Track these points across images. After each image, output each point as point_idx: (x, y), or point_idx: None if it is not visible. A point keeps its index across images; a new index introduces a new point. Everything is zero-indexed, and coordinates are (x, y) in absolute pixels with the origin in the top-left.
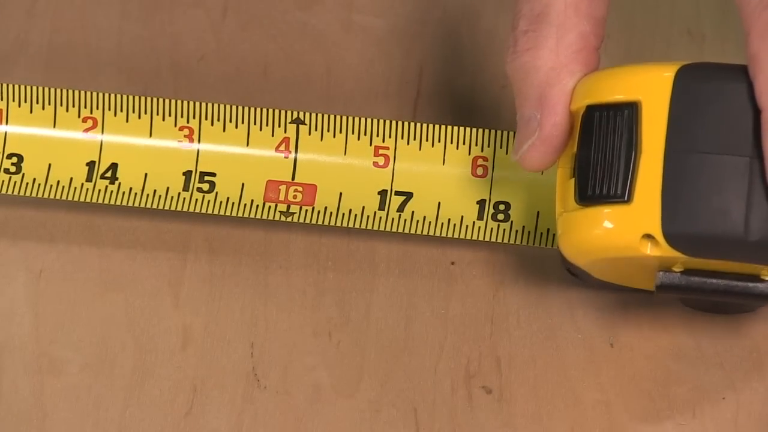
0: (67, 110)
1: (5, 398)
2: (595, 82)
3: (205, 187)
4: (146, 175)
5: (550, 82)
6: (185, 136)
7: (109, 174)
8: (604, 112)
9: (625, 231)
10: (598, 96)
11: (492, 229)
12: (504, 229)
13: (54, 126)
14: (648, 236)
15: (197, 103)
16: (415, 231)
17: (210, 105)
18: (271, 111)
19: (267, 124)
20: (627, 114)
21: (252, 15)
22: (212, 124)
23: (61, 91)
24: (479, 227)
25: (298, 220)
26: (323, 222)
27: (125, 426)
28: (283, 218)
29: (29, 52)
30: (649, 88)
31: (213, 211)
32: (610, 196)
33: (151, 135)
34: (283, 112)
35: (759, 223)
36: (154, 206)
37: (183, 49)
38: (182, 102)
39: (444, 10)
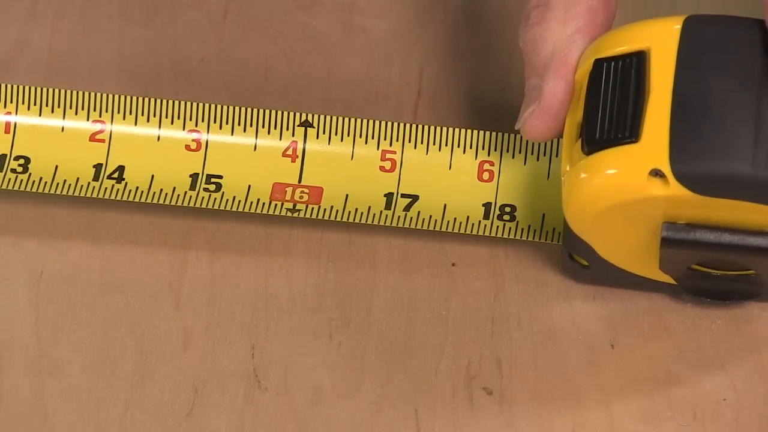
0: (76, 113)
1: (6, 399)
2: (602, 40)
3: (212, 187)
4: (153, 176)
5: (555, 52)
6: (193, 139)
7: (115, 175)
8: (612, 62)
9: (633, 169)
10: (606, 50)
11: (498, 227)
12: (510, 228)
13: (62, 129)
14: (656, 173)
15: (205, 106)
16: (420, 227)
17: (218, 107)
18: (279, 113)
19: (275, 127)
20: (635, 61)
21: (253, 16)
22: (220, 127)
23: (70, 93)
24: (485, 225)
25: (304, 216)
26: (329, 218)
27: (126, 427)
28: (288, 214)
29: (30, 54)
30: (658, 37)
31: (218, 208)
32: (618, 138)
33: (158, 138)
34: (291, 114)
35: (767, 160)
36: (160, 202)
37: (184, 50)
38: (190, 104)
39: (445, 11)
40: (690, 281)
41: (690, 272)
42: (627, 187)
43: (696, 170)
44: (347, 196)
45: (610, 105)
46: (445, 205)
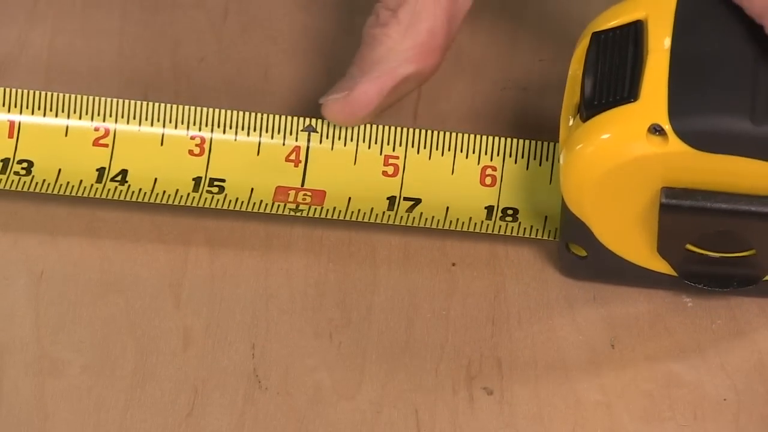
0: (80, 117)
1: (6, 399)
2: (600, 17)
3: (215, 190)
4: (156, 180)
5: (382, 59)
6: (196, 144)
7: (119, 178)
8: (610, 32)
9: (632, 127)
10: (604, 24)
11: (500, 226)
12: (512, 227)
13: (66, 133)
14: (655, 129)
15: (208, 110)
16: (423, 225)
17: (221, 112)
18: (282, 118)
19: (278, 132)
20: (633, 29)
21: (253, 16)
22: (224, 132)
23: (74, 97)
24: (487, 225)
25: (307, 215)
26: (331, 217)
27: (126, 427)
28: (291, 213)
29: (30, 54)
30: (655, 6)
31: (221, 207)
32: (617, 100)
33: (162, 143)
34: (295, 119)
35: (765, 113)
36: (162, 202)
37: (184, 50)
38: (193, 109)
39: None
40: (688, 266)
41: (688, 255)
42: (627, 147)
43: (695, 125)
44: (350, 199)
45: (609, 71)
46: (447, 208)
